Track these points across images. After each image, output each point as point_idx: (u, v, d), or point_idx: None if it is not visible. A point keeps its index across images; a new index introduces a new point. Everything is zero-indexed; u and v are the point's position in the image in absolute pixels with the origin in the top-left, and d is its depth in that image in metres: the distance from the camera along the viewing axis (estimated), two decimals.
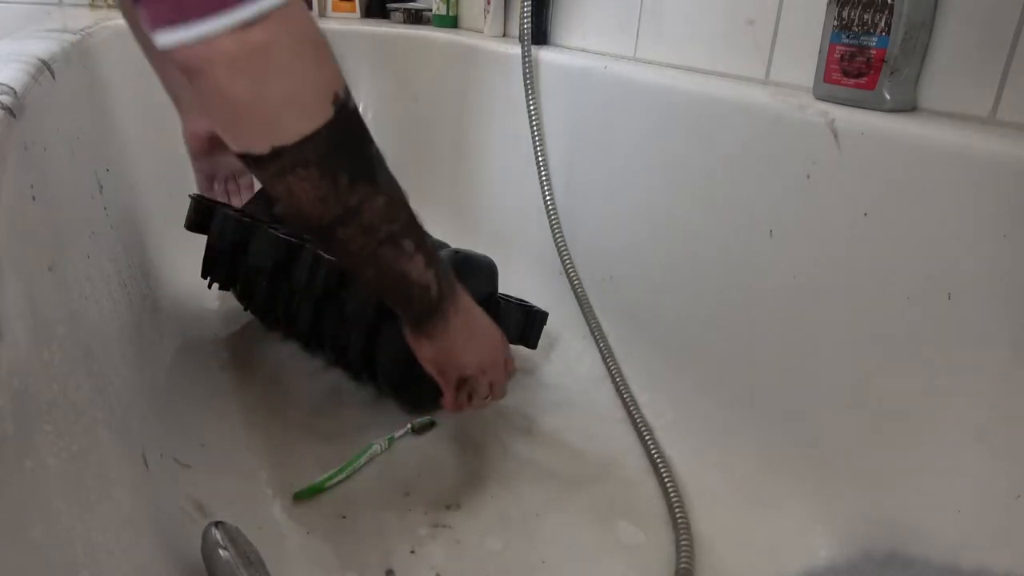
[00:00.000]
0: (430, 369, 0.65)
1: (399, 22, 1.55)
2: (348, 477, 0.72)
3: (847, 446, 0.65)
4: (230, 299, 1.02)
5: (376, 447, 0.75)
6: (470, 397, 0.69)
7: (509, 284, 1.15)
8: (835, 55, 0.67)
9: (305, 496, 0.69)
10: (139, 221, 0.97)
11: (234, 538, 0.54)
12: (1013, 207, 0.52)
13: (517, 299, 0.86)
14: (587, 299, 0.98)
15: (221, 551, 0.52)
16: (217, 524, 0.55)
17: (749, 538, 0.67)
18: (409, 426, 0.79)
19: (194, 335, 0.97)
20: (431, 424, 0.81)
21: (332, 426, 0.81)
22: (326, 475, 0.70)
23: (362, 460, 0.73)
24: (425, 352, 0.63)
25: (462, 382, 0.66)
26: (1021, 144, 0.53)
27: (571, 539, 0.67)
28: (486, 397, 0.69)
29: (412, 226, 0.54)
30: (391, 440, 0.77)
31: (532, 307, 0.86)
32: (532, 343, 0.86)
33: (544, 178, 1.04)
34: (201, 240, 0.92)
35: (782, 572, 0.63)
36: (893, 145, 0.60)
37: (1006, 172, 0.53)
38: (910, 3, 0.61)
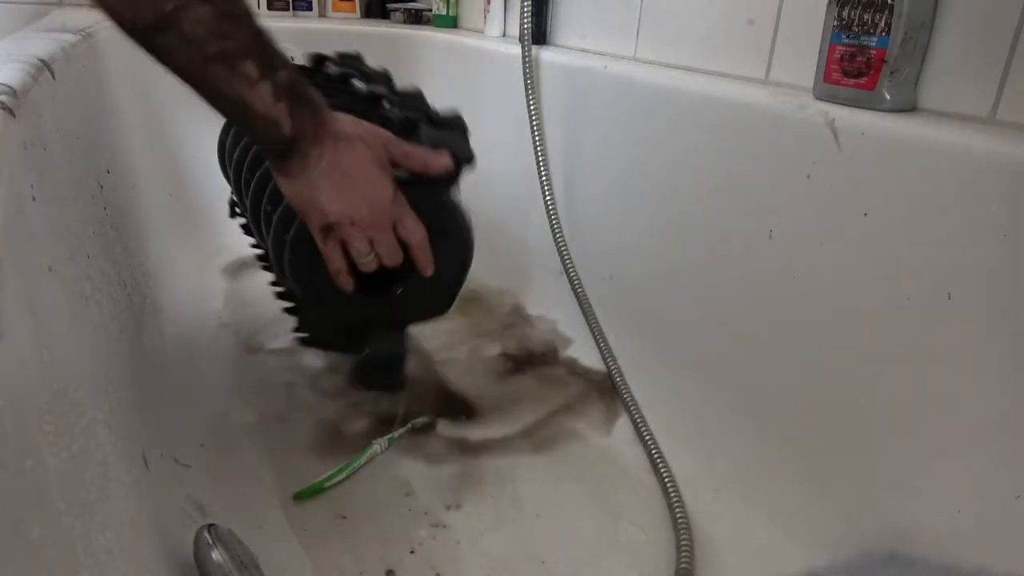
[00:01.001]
0: (294, 209, 0.60)
1: (399, 22, 1.56)
2: (348, 477, 0.72)
3: (847, 446, 0.65)
4: (231, 299, 1.02)
5: (376, 447, 0.75)
6: (347, 253, 0.61)
7: (509, 283, 1.15)
8: (835, 55, 0.67)
9: (305, 496, 0.69)
10: (139, 221, 0.97)
11: (227, 541, 0.54)
12: (1013, 207, 0.52)
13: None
14: (587, 299, 0.98)
15: (213, 554, 0.52)
16: (210, 527, 0.54)
17: (749, 538, 0.67)
18: (409, 425, 0.79)
19: (194, 335, 0.97)
20: (432, 424, 0.81)
21: (333, 426, 0.81)
22: (326, 475, 0.70)
23: (362, 460, 0.73)
24: (283, 187, 0.58)
25: (327, 229, 0.59)
26: (1021, 144, 0.53)
27: (571, 539, 0.67)
28: (368, 256, 0.61)
29: (256, 49, 0.49)
30: (391, 440, 0.77)
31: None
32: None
33: (544, 178, 1.04)
34: (201, 240, 0.92)
35: (782, 572, 0.63)
36: (893, 145, 0.60)
37: (1006, 172, 0.53)
38: (910, 3, 0.61)
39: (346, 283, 0.63)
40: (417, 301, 0.71)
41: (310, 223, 0.59)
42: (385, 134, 0.61)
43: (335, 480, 0.71)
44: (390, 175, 0.60)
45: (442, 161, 0.63)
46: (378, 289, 0.68)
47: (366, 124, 0.59)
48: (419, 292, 0.70)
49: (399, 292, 0.69)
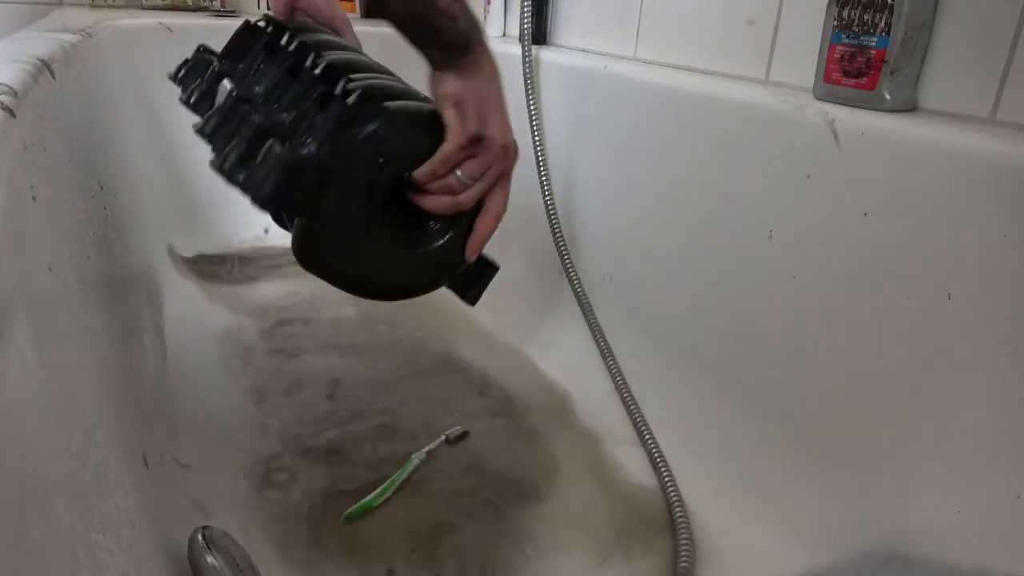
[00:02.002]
0: (445, 104, 0.57)
1: None
2: (394, 494, 0.71)
3: (847, 446, 0.65)
4: (230, 299, 1.02)
5: (415, 460, 0.75)
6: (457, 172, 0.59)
7: (509, 283, 1.15)
8: (835, 55, 0.67)
9: (356, 516, 0.68)
10: (139, 221, 0.97)
11: (221, 543, 0.54)
12: (1013, 207, 0.52)
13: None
14: (587, 299, 0.98)
15: (208, 558, 0.52)
16: (204, 529, 0.54)
17: (749, 538, 0.67)
18: (444, 437, 0.79)
19: (194, 335, 0.97)
20: (466, 435, 0.80)
21: (333, 426, 0.81)
22: (374, 494, 0.70)
23: (404, 474, 0.73)
24: (448, 86, 0.57)
25: (475, 140, 0.58)
26: (1021, 144, 0.53)
27: (570, 539, 0.67)
28: (469, 181, 0.59)
29: None
30: (429, 452, 0.76)
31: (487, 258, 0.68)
32: (470, 296, 0.67)
33: (544, 178, 1.04)
34: (201, 240, 0.92)
35: (782, 572, 0.63)
36: (893, 145, 0.60)
37: (1006, 172, 0.53)
38: (910, 3, 0.61)
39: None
40: (428, 263, 0.63)
41: (460, 112, 0.57)
42: None
43: (383, 498, 0.70)
44: None
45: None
46: (414, 222, 0.61)
47: None
48: (439, 255, 0.62)
49: (432, 237, 0.62)
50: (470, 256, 0.62)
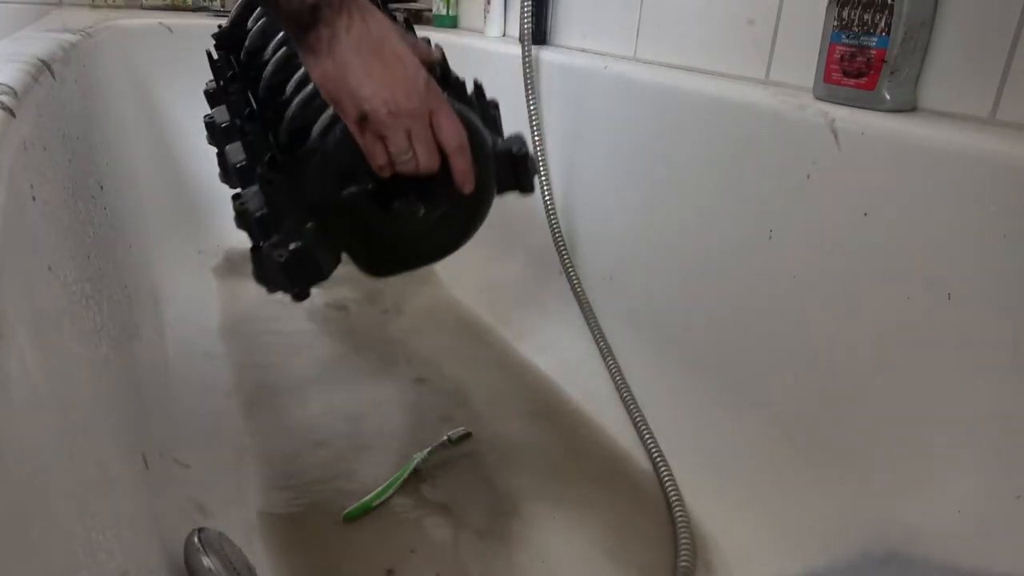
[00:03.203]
0: (324, 95, 0.54)
1: (399, 22, 1.55)
2: (394, 494, 0.71)
3: (847, 446, 0.65)
4: (231, 299, 1.02)
5: (416, 460, 0.75)
6: (389, 152, 0.55)
7: (509, 283, 1.15)
8: (835, 55, 0.67)
9: (355, 516, 0.68)
10: (139, 221, 0.97)
11: (217, 545, 0.54)
12: (1013, 207, 0.52)
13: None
14: (587, 299, 0.98)
15: (204, 560, 0.52)
16: (200, 531, 0.54)
17: (749, 538, 0.67)
18: (446, 438, 0.79)
19: (194, 335, 0.97)
20: (468, 435, 0.80)
21: (334, 426, 0.81)
22: (373, 493, 0.70)
23: (405, 474, 0.73)
24: (312, 70, 0.53)
25: (363, 120, 0.54)
26: (1021, 144, 0.53)
27: (571, 538, 0.67)
28: (408, 155, 0.55)
29: None
30: (430, 452, 0.76)
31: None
32: (525, 184, 0.65)
33: (544, 178, 1.04)
34: (201, 240, 0.92)
35: (782, 572, 0.63)
36: (893, 145, 0.60)
37: (1006, 172, 0.53)
38: (910, 3, 0.61)
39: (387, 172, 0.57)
40: (434, 231, 0.64)
41: (344, 115, 0.54)
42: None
43: (382, 498, 0.70)
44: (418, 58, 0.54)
45: (437, 54, 0.59)
46: (400, 205, 0.60)
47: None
48: (441, 219, 0.62)
49: (423, 215, 0.61)
50: (466, 190, 0.60)
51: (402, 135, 0.54)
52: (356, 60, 0.52)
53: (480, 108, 0.64)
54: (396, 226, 0.62)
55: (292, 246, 0.57)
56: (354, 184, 0.58)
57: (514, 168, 0.64)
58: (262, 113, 0.63)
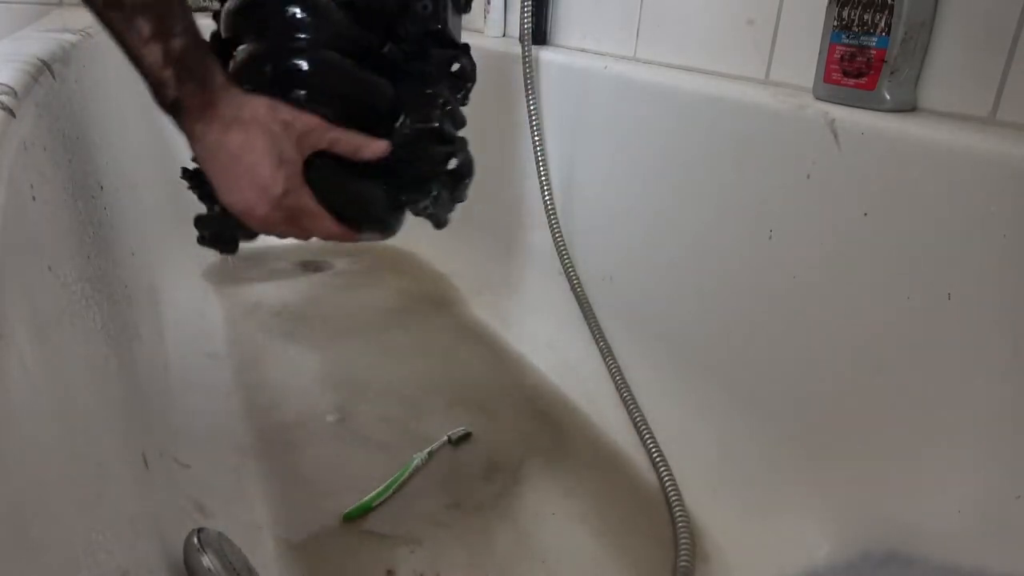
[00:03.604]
0: None
1: None
2: (394, 494, 0.71)
3: (847, 446, 0.65)
4: (231, 298, 1.02)
5: (417, 461, 0.75)
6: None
7: (509, 283, 1.15)
8: (835, 55, 0.67)
9: (355, 516, 0.68)
10: (139, 221, 0.97)
11: (216, 545, 0.53)
12: (1013, 207, 0.52)
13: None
14: (587, 299, 0.98)
15: (203, 560, 0.52)
16: (199, 531, 0.54)
17: (749, 538, 0.67)
18: (446, 438, 0.79)
19: (195, 335, 0.97)
20: (468, 435, 0.80)
21: (334, 426, 0.81)
22: (373, 494, 0.70)
23: (405, 475, 0.73)
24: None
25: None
26: (1021, 144, 0.53)
27: (571, 538, 0.67)
28: (284, 236, 0.59)
29: (156, 9, 0.49)
30: (431, 453, 0.76)
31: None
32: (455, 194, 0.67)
33: (544, 178, 1.04)
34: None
35: (782, 572, 0.63)
36: (893, 145, 0.60)
37: (1006, 172, 0.53)
38: (910, 3, 0.61)
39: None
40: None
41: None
42: (311, 122, 0.57)
43: (382, 498, 0.70)
44: (291, 169, 0.56)
45: (377, 147, 0.60)
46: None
47: (285, 111, 0.55)
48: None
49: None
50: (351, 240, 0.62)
51: (269, 228, 0.58)
52: (212, 167, 0.54)
53: (419, 72, 0.64)
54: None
55: (224, 221, 0.60)
56: None
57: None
58: None
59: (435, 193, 0.65)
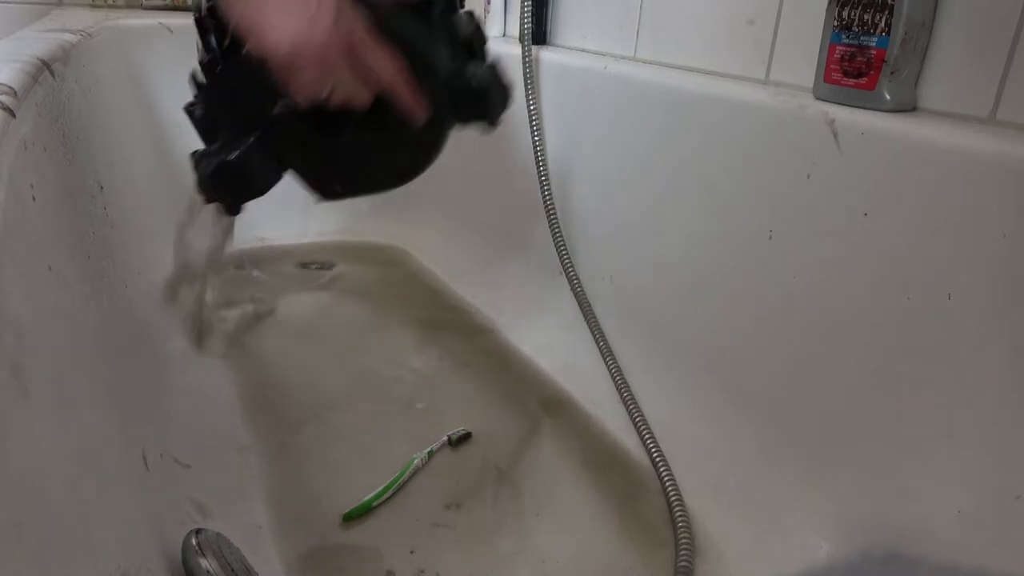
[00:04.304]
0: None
1: None
2: (394, 494, 0.71)
3: (847, 446, 0.65)
4: (231, 299, 1.02)
5: (417, 461, 0.75)
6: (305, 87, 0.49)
7: (509, 283, 1.15)
8: (835, 55, 0.67)
9: (354, 516, 0.68)
10: (139, 221, 0.97)
11: (214, 546, 0.53)
12: (1013, 207, 0.52)
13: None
14: (587, 299, 0.98)
15: (202, 562, 0.52)
16: (198, 532, 0.54)
17: (749, 538, 0.67)
18: (446, 438, 0.79)
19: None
20: (468, 436, 0.80)
21: (334, 426, 0.81)
22: (373, 494, 0.70)
23: (405, 475, 0.73)
24: (224, 6, 0.48)
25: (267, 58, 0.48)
26: (1021, 144, 0.53)
27: (571, 539, 0.67)
28: (325, 92, 0.50)
29: None
30: (431, 453, 0.76)
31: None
32: (488, 116, 0.61)
33: (544, 178, 1.04)
34: (201, 240, 0.92)
35: (782, 572, 0.63)
36: (893, 145, 0.60)
37: (1006, 172, 0.53)
38: (910, 3, 0.61)
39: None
40: (384, 157, 0.59)
41: (251, 47, 0.48)
42: None
43: (382, 498, 0.70)
44: None
45: None
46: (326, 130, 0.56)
47: None
48: (381, 143, 0.58)
49: (351, 136, 0.56)
50: (416, 122, 0.55)
51: (312, 74, 0.48)
52: None
53: (447, 28, 0.58)
54: (339, 149, 0.57)
55: (224, 157, 0.54)
56: (283, 100, 0.52)
57: (478, 98, 0.59)
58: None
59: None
